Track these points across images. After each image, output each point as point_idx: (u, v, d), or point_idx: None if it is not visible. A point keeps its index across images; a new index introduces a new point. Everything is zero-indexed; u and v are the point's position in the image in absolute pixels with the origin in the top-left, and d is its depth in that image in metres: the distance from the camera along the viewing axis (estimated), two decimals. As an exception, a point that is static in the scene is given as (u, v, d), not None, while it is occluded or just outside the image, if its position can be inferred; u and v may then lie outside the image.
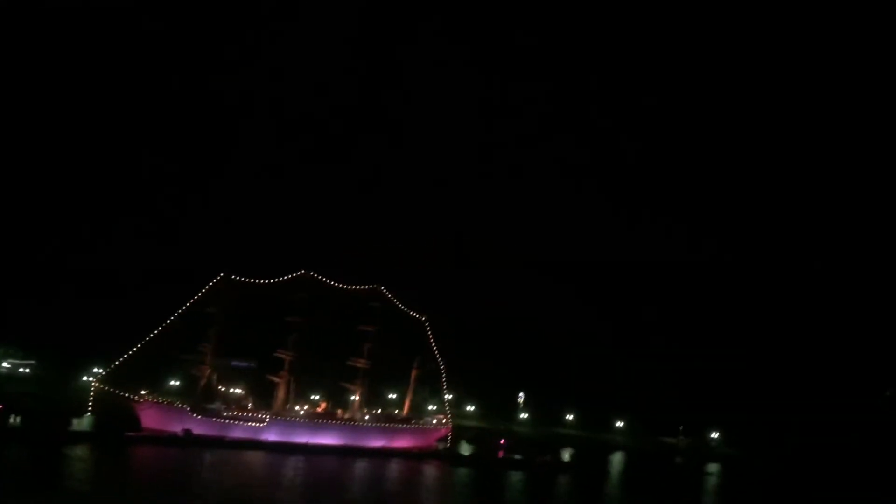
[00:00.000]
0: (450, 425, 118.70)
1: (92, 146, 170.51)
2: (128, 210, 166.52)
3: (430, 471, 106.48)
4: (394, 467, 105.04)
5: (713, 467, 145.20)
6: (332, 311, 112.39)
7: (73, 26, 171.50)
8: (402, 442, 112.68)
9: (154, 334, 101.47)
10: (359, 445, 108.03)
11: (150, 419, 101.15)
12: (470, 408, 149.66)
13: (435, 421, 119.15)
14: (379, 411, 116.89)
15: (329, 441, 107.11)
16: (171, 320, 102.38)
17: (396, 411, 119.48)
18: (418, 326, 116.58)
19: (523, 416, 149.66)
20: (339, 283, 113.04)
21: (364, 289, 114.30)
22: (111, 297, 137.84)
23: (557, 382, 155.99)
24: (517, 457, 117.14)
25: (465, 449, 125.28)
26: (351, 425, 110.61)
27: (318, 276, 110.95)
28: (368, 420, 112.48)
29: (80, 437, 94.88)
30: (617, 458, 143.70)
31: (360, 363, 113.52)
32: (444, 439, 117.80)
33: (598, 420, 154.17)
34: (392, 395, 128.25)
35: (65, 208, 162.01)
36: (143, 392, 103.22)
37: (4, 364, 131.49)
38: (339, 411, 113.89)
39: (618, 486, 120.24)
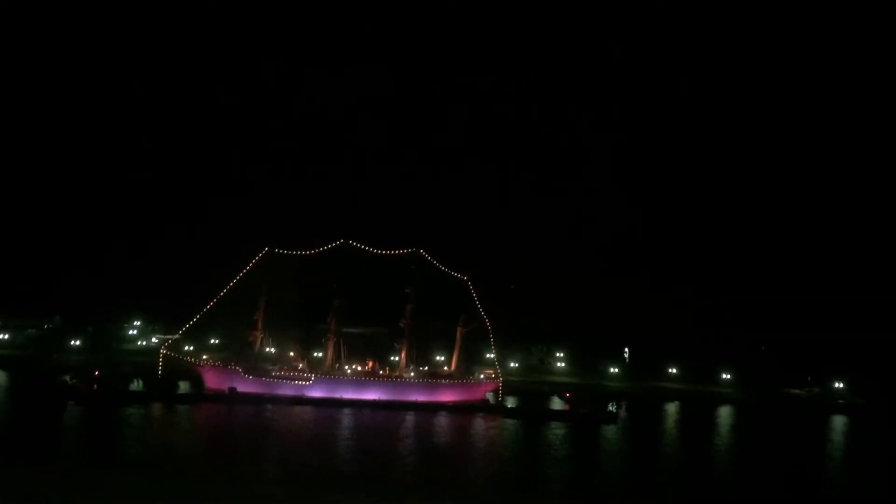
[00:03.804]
0: (499, 379, 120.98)
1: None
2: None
3: (473, 422, 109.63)
4: (435, 419, 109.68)
5: (839, 421, 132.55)
6: (373, 276, 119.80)
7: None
8: (447, 396, 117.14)
9: (210, 306, 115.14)
10: (402, 400, 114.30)
11: (211, 380, 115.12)
12: (560, 364, 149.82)
13: (483, 376, 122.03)
14: (426, 368, 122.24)
15: (373, 397, 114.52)
16: (223, 293, 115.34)
17: (445, 368, 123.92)
18: (461, 286, 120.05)
19: (614, 370, 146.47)
20: (377, 250, 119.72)
21: (403, 253, 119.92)
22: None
23: (656, 336, 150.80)
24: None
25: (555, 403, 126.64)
26: (394, 381, 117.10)
27: (357, 243, 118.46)
28: (413, 377, 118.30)
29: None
30: (724, 412, 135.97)
31: (403, 323, 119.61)
32: (494, 393, 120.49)
33: (703, 373, 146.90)
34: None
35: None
36: (203, 357, 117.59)
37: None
38: (387, 369, 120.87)
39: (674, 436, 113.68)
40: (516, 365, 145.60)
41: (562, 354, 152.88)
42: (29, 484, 53.80)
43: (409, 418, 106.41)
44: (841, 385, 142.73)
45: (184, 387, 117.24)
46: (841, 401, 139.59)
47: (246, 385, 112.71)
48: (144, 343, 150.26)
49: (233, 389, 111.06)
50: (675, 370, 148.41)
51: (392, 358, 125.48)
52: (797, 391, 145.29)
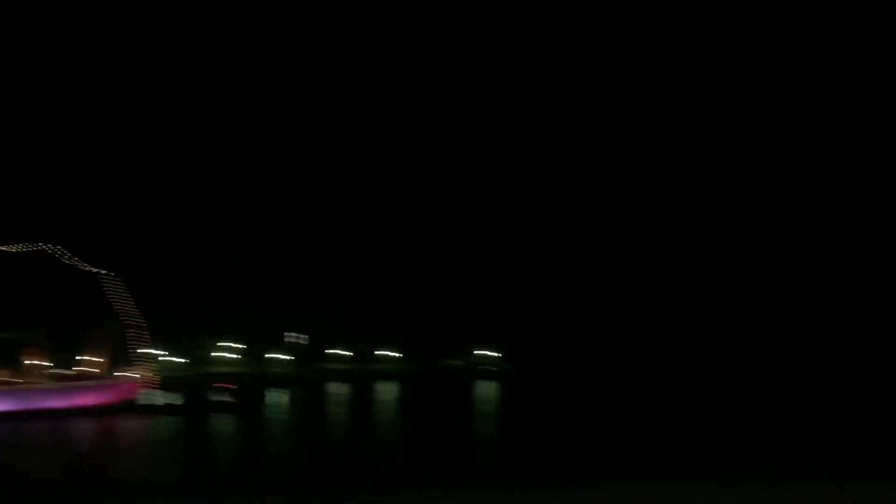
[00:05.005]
0: (146, 377, 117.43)
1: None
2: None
3: (112, 424, 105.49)
4: (73, 424, 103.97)
5: (489, 386, 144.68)
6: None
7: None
8: (88, 399, 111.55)
9: None
10: (34, 408, 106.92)
11: None
12: (228, 354, 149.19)
13: (129, 374, 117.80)
14: (64, 371, 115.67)
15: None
16: None
17: (88, 369, 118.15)
18: (95, 282, 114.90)
19: (278, 356, 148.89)
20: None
21: (28, 249, 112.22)
22: None
23: (329, 321, 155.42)
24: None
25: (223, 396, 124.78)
26: (23, 389, 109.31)
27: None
28: (43, 382, 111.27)
29: None
30: (382, 387, 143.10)
31: (38, 325, 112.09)
32: (145, 390, 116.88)
33: (370, 351, 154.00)
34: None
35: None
36: None
37: None
38: (18, 378, 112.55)
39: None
40: (182, 359, 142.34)
41: (231, 344, 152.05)
42: None
43: (36, 427, 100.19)
44: (493, 353, 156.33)
45: None
46: (492, 368, 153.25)
47: None
48: None
49: None
50: (343, 352, 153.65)
51: (26, 363, 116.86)
52: (453, 361, 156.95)
